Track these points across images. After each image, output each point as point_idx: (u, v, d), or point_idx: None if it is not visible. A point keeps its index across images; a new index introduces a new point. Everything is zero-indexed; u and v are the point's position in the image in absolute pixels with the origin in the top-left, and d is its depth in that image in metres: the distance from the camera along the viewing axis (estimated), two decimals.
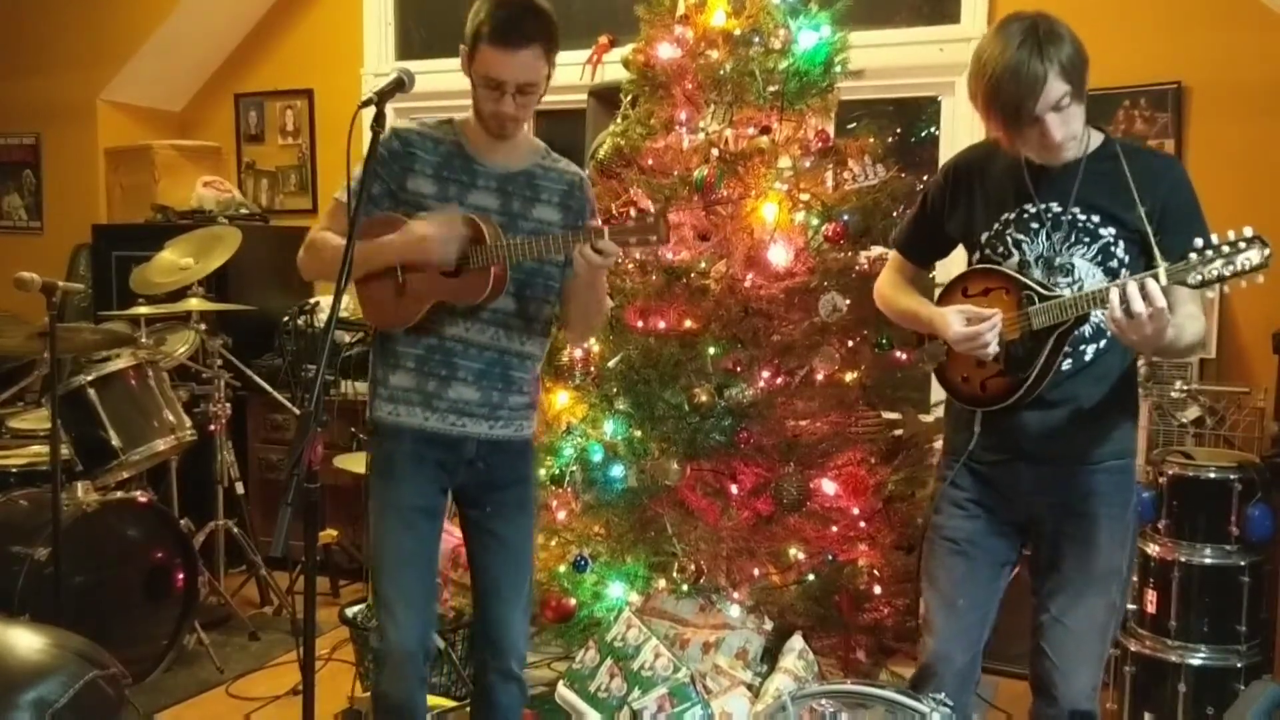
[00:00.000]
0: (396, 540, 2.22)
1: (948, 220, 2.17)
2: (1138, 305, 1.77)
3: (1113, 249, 1.99)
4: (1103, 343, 2.03)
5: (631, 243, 2.07)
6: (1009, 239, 2.06)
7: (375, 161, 2.13)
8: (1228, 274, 1.77)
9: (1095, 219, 2.00)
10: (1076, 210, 2.00)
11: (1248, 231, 1.77)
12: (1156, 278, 1.79)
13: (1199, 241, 1.79)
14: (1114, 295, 1.80)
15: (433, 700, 2.69)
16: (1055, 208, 2.02)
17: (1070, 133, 1.92)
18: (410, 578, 2.22)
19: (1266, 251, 1.76)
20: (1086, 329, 2.01)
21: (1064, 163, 1.99)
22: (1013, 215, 2.06)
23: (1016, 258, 2.05)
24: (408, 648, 2.20)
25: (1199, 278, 1.79)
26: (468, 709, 2.53)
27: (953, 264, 2.24)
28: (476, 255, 2.10)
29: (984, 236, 2.10)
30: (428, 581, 2.27)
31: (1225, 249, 1.77)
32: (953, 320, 2.04)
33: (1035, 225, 2.04)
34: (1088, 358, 2.04)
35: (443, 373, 2.19)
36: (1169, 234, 1.93)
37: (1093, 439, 2.06)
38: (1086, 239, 2.00)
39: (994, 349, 2.01)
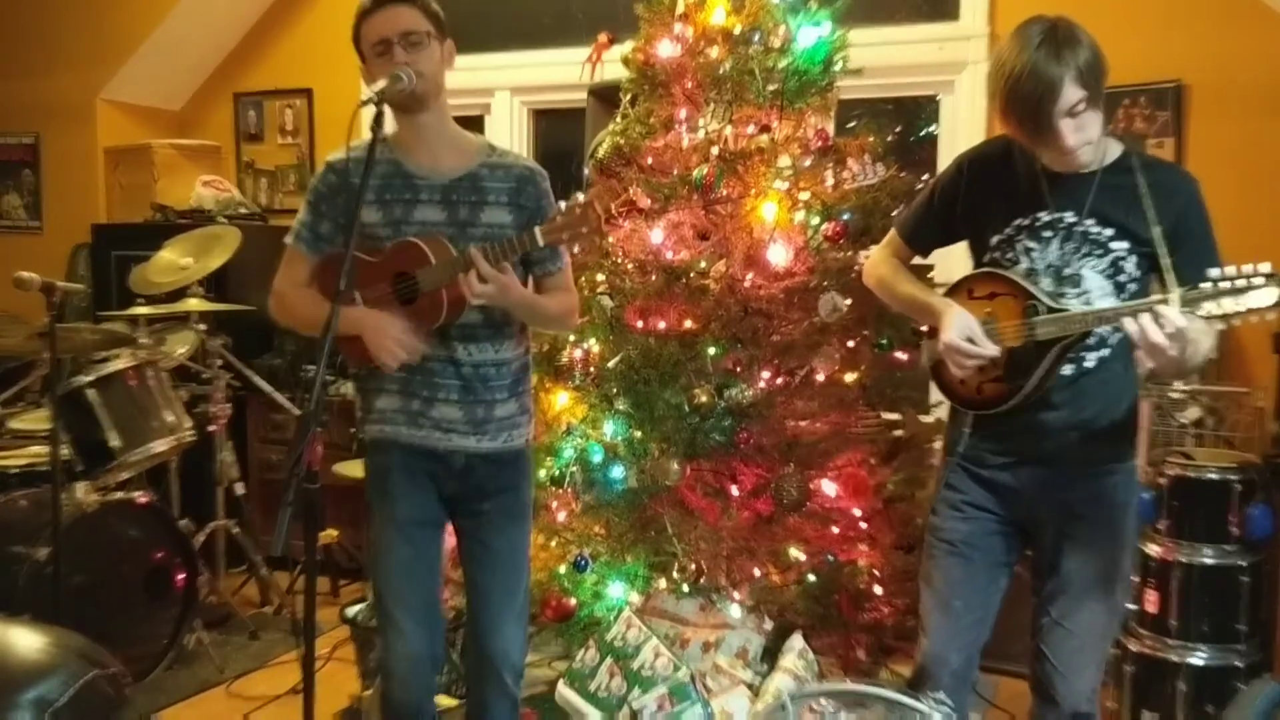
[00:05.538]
0: (395, 554, 2.22)
1: (959, 214, 2.16)
2: (1156, 336, 1.74)
3: (1123, 263, 1.98)
4: (1106, 350, 2.03)
5: (565, 239, 2.03)
6: (1020, 245, 2.05)
7: (315, 199, 2.20)
8: (1240, 309, 1.74)
9: (1108, 232, 1.98)
10: (1090, 222, 1.99)
11: (1265, 268, 1.73)
12: (1168, 303, 1.77)
13: (1215, 272, 1.76)
14: (1129, 326, 1.78)
15: None
16: (1069, 218, 2.00)
17: (1084, 139, 1.90)
18: (411, 590, 2.22)
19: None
20: (1091, 337, 2.00)
21: (1080, 170, 1.97)
22: (1025, 222, 2.04)
23: (1025, 264, 2.04)
24: (414, 658, 2.21)
25: (1210, 309, 1.76)
26: None
27: (954, 261, 2.23)
28: (426, 279, 2.08)
29: (994, 240, 2.09)
30: (430, 592, 2.27)
31: (1240, 283, 1.73)
32: (955, 326, 2.02)
33: (1047, 234, 2.02)
34: (1089, 364, 2.03)
35: (425, 393, 2.18)
36: (1181, 253, 1.91)
37: (1094, 443, 2.05)
38: (1098, 251, 1.99)
39: (963, 374, 2.04)
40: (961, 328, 2.02)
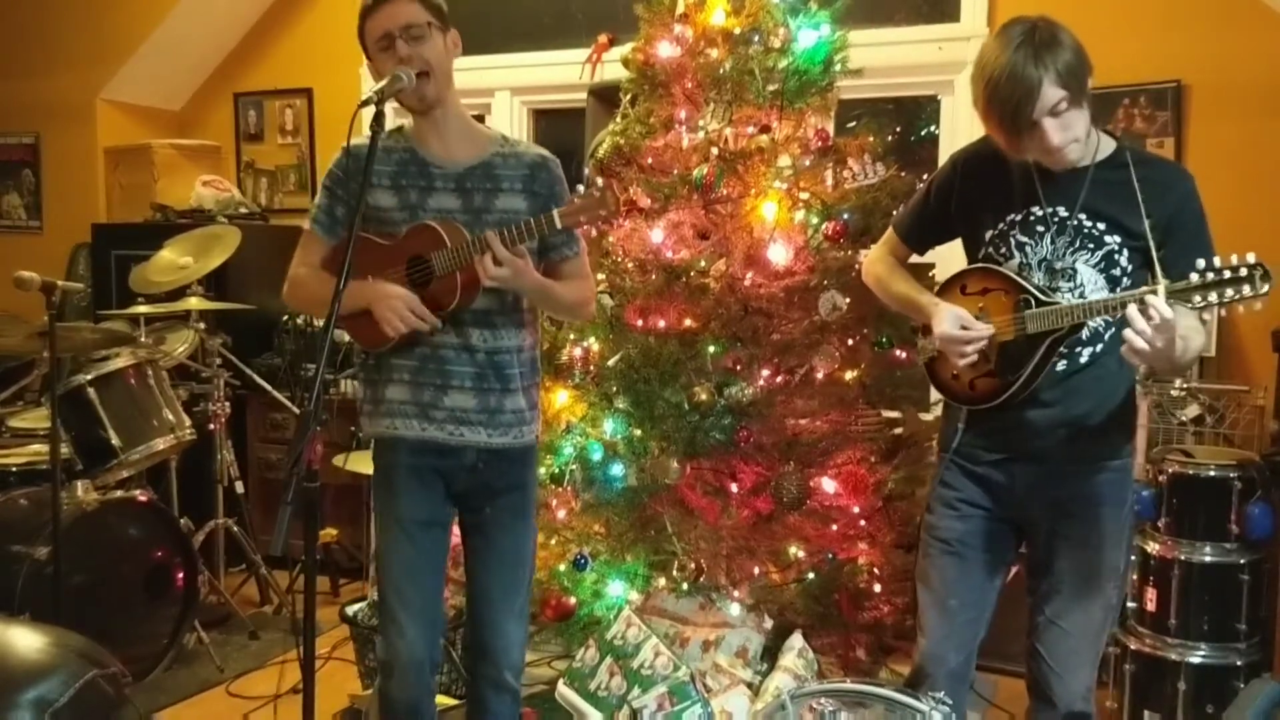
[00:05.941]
0: (399, 553, 2.22)
1: (953, 212, 2.16)
2: (1142, 327, 1.75)
3: (1116, 256, 1.98)
4: (1099, 346, 2.03)
5: (583, 221, 2.05)
6: (1013, 240, 2.05)
7: (332, 183, 2.19)
8: (1228, 299, 1.76)
9: (1101, 226, 1.99)
10: (1083, 216, 1.99)
11: (1250, 258, 1.75)
12: (1155, 293, 1.78)
13: (1201, 263, 1.78)
14: (1125, 332, 1.79)
15: None
16: (1062, 212, 2.01)
17: (1070, 137, 1.90)
18: (413, 590, 2.22)
19: (1269, 284, 1.74)
20: (1084, 332, 2.01)
21: (1071, 167, 1.98)
22: (1019, 217, 2.05)
23: (1018, 259, 2.05)
24: (413, 658, 2.21)
25: (1199, 299, 1.78)
26: None
27: (956, 259, 2.24)
28: (440, 262, 2.09)
29: (988, 235, 2.09)
30: (432, 592, 2.27)
31: (1227, 274, 1.76)
32: (947, 318, 2.04)
33: (1040, 229, 2.03)
34: (1083, 360, 2.04)
35: (438, 381, 2.18)
36: (1173, 248, 1.92)
37: (1089, 440, 2.05)
38: (1091, 245, 2.00)
39: (966, 363, 2.04)
40: (952, 318, 2.04)
